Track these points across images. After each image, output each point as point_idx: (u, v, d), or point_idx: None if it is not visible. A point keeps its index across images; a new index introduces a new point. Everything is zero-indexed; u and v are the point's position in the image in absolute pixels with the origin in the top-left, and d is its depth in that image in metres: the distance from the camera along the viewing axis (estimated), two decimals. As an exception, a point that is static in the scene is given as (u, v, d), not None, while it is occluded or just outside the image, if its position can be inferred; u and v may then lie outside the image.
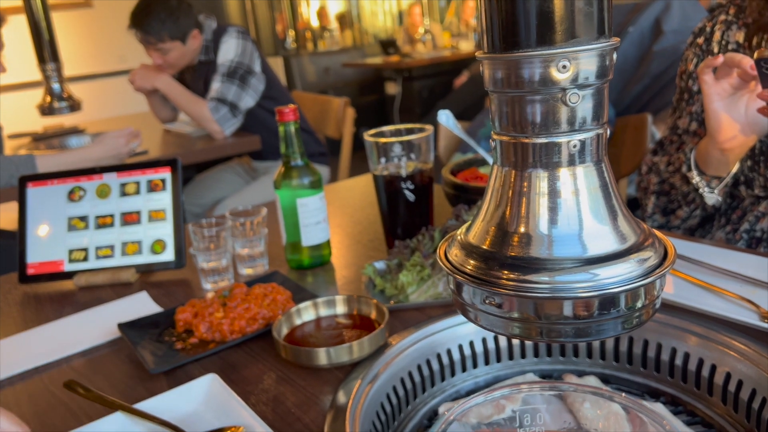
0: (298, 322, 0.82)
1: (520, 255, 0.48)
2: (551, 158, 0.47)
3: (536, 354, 0.84)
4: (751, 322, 0.73)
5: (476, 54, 0.49)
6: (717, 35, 1.15)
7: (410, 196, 1.03)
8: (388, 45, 6.42)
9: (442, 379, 0.82)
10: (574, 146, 0.46)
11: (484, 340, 0.83)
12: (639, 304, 0.47)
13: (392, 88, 6.03)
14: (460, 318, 0.83)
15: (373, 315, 0.82)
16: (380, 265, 0.98)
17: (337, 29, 7.83)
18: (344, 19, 8.03)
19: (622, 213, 0.49)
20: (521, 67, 0.45)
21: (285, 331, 0.80)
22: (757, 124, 0.95)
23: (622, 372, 0.80)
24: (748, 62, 0.89)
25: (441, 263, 0.53)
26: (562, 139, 0.46)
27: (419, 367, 0.79)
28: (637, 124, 1.69)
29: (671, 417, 0.70)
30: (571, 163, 0.47)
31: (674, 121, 1.22)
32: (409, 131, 1.03)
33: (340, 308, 0.84)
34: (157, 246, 1.12)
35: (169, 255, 1.11)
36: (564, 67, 0.44)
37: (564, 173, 0.47)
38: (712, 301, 0.80)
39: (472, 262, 0.50)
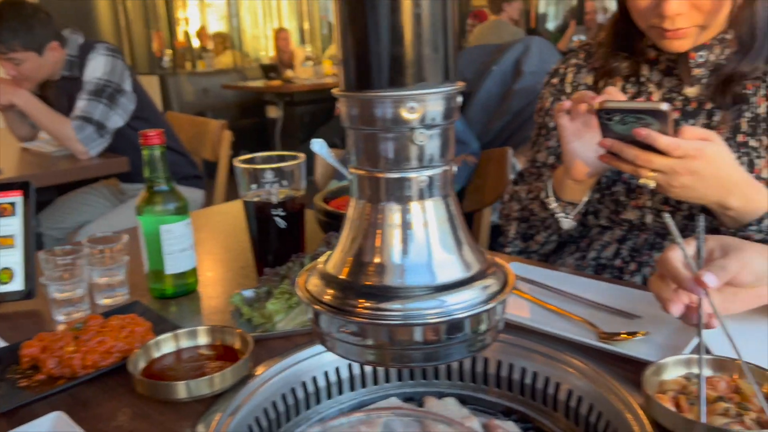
0: (156, 354, 0.79)
1: (375, 284, 0.50)
2: (402, 192, 0.50)
3: (399, 378, 0.87)
4: (591, 342, 0.80)
5: (332, 91, 0.52)
6: (569, 77, 1.27)
7: (281, 223, 1.03)
8: (269, 69, 6.39)
9: (307, 407, 0.82)
10: (423, 181, 0.50)
11: (349, 366, 0.85)
12: (483, 328, 0.51)
13: (274, 112, 5.99)
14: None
15: (238, 345, 0.81)
16: (248, 293, 0.97)
17: (216, 50, 7.67)
18: (224, 40, 7.89)
19: (468, 243, 0.52)
20: (373, 106, 0.47)
21: (142, 364, 0.77)
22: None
23: (478, 392, 0.85)
24: (589, 96, 0.98)
25: (299, 293, 0.54)
26: (412, 175, 0.49)
27: (284, 396, 0.79)
28: (499, 157, 1.81)
29: (520, 433, 0.75)
30: (421, 197, 0.50)
31: (534, 154, 1.32)
32: (281, 158, 1.04)
33: (203, 339, 0.82)
34: (4, 275, 1.03)
35: (17, 284, 1.03)
36: (412, 108, 0.47)
37: (414, 206, 0.50)
38: (559, 323, 0.87)
39: (330, 291, 0.52)
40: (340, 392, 0.85)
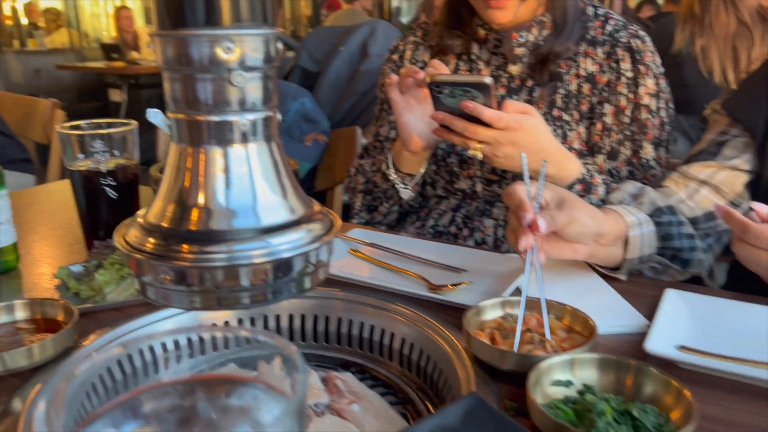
0: (-34, 331, 0.72)
1: (199, 229, 0.50)
2: (224, 136, 0.50)
3: (237, 343, 0.86)
4: (421, 294, 0.86)
5: (148, 33, 0.50)
6: (408, 54, 1.33)
7: (112, 193, 0.98)
8: (111, 49, 5.96)
9: (145, 374, 0.79)
10: (244, 125, 0.50)
11: (188, 338, 0.83)
12: (309, 269, 0.53)
13: (117, 96, 5.60)
14: (162, 313, 0.82)
15: (61, 317, 0.76)
16: (76, 267, 0.92)
17: (48, 28, 7.00)
18: (56, 17, 7.23)
19: (292, 188, 0.54)
20: (189, 45, 0.47)
21: (-51, 342, 0.70)
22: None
23: (319, 350, 0.87)
24: (414, 71, 1.04)
25: (119, 246, 0.52)
26: (234, 118, 0.50)
27: (109, 369, 0.76)
28: (348, 136, 1.85)
29: (357, 382, 0.78)
30: (244, 140, 0.51)
31: (377, 129, 1.37)
32: (111, 125, 0.98)
33: (20, 313, 0.76)
34: None
35: None
36: (229, 48, 0.47)
37: (237, 150, 0.50)
38: (394, 280, 0.92)
39: (151, 240, 0.51)
40: (178, 361, 0.83)
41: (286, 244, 0.51)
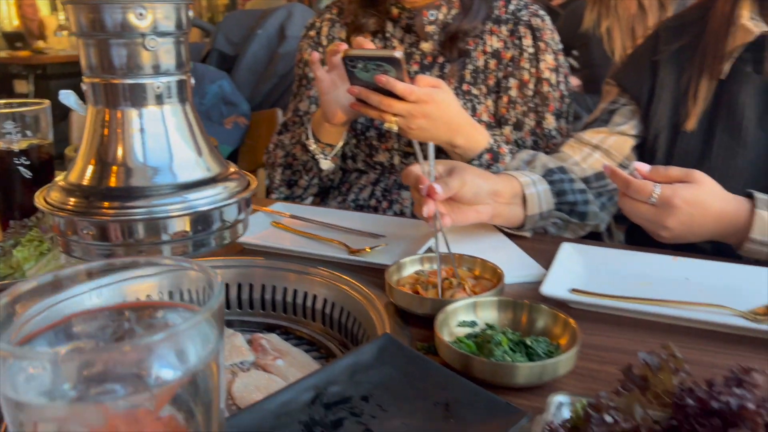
0: None
1: (119, 186, 0.53)
2: (140, 98, 0.53)
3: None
4: (341, 257, 0.91)
5: (62, 2, 0.52)
6: (325, 30, 1.36)
7: (26, 173, 0.97)
8: (15, 38, 5.64)
9: (69, 348, 0.80)
10: (158, 88, 0.53)
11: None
12: (227, 223, 0.57)
13: (23, 87, 5.31)
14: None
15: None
16: (-8, 248, 0.91)
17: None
18: (-48, 3, 6.75)
19: (208, 149, 0.58)
20: (103, 11, 0.50)
21: None
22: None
23: (244, 316, 0.91)
24: (343, 48, 1.07)
25: (39, 206, 0.54)
26: (148, 81, 0.53)
27: (40, 338, 0.77)
28: (269, 118, 1.87)
29: (282, 341, 0.82)
30: (159, 102, 0.54)
31: (296, 104, 1.39)
32: (22, 105, 0.97)
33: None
34: None
35: None
36: (141, 14, 0.50)
37: (153, 111, 0.54)
38: (316, 246, 0.96)
39: (72, 200, 0.53)
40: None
41: (203, 199, 0.55)
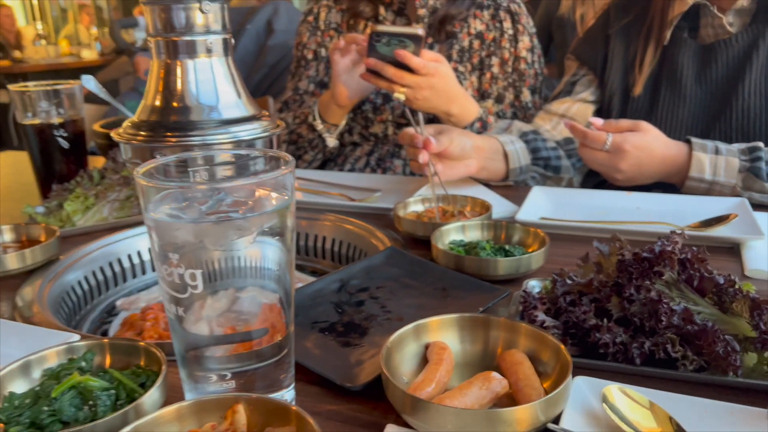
0: (-40, 249, 0.84)
1: (179, 120, 0.67)
2: (194, 51, 0.67)
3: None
4: (345, 204, 1.06)
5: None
6: (322, 15, 1.50)
7: (64, 144, 1.10)
8: (-8, 49, 5.68)
9: (115, 284, 0.94)
10: (211, 43, 0.68)
11: (149, 250, 0.98)
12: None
13: (4, 96, 5.36)
14: (128, 232, 0.96)
15: (44, 237, 0.89)
16: (39, 209, 1.03)
17: None
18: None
19: (246, 94, 0.72)
20: (168, -17, 0.64)
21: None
22: (365, 88, 1.29)
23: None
24: (362, 39, 1.21)
25: (116, 138, 0.68)
26: (201, 38, 0.67)
27: (94, 273, 0.90)
28: (261, 104, 1.99)
29: (301, 274, 0.97)
30: (209, 55, 0.68)
31: (295, 83, 1.53)
32: (55, 85, 1.10)
33: (7, 236, 0.88)
34: None
35: None
36: (198, -16, 0.64)
37: (205, 62, 0.68)
38: (321, 199, 1.11)
39: (142, 132, 0.67)
40: (144, 272, 0.98)
41: (244, 132, 0.69)
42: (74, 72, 5.42)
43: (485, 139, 1.15)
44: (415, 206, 0.99)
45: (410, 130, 1.08)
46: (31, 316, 0.70)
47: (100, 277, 0.91)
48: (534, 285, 0.71)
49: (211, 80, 0.68)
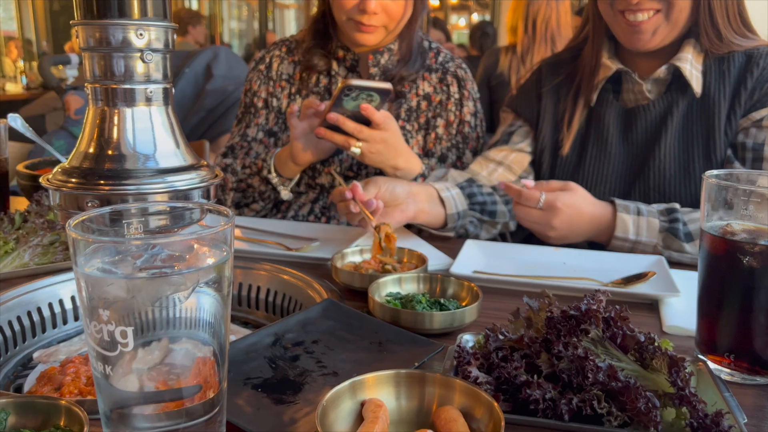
0: None
1: (114, 168, 0.65)
2: (134, 99, 0.67)
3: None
4: (282, 253, 1.05)
5: (71, 22, 0.66)
6: (275, 66, 1.51)
7: (-16, 184, 1.05)
8: None
9: (33, 334, 0.89)
10: (150, 92, 0.67)
11: (72, 299, 0.94)
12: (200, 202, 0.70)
13: None
14: (50, 279, 0.92)
15: (-45, 283, 0.84)
16: (-48, 251, 0.97)
17: None
18: None
19: (184, 144, 0.72)
20: (111, 32, 0.64)
21: None
22: (322, 150, 1.31)
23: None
24: (318, 104, 1.23)
25: (45, 184, 0.66)
26: (141, 87, 0.67)
27: (10, 323, 0.85)
28: (197, 149, 1.98)
29: (233, 325, 0.94)
30: (148, 103, 0.67)
31: (243, 129, 1.52)
32: (-20, 122, 1.06)
33: None
34: None
35: None
36: (141, 34, 0.65)
37: (143, 110, 0.67)
38: (257, 247, 1.09)
39: (74, 179, 0.65)
40: (65, 322, 0.93)
41: (180, 182, 0.68)
42: (-3, 105, 5.19)
43: (420, 185, 1.18)
44: (353, 257, 1.00)
45: (338, 189, 1.12)
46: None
47: (16, 327, 0.86)
48: (468, 339, 0.72)
49: (150, 129, 0.67)
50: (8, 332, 0.85)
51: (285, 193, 1.39)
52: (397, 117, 1.45)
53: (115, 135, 0.66)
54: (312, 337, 0.72)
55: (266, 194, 1.41)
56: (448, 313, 0.77)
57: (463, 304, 0.83)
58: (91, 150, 0.66)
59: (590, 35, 1.31)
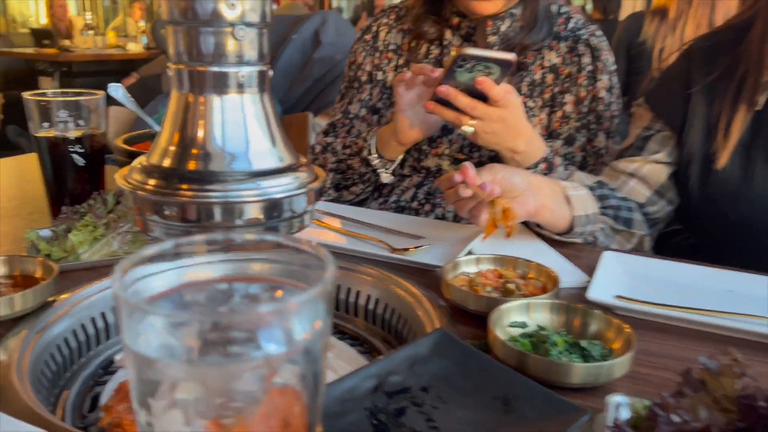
0: (-57, 285, 0.73)
1: (198, 169, 0.54)
2: (223, 85, 0.55)
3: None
4: (384, 255, 0.92)
5: None
6: (382, 35, 1.37)
7: (79, 161, 0.99)
8: (42, 35, 5.72)
9: (117, 332, 0.82)
10: (242, 76, 0.55)
11: (162, 293, 0.86)
12: (297, 211, 0.58)
13: (48, 84, 5.39)
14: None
15: (39, 273, 0.78)
16: (45, 232, 0.93)
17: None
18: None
19: (282, 139, 0.59)
20: (197, 1, 0.52)
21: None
22: (429, 126, 1.16)
23: (288, 309, 0.92)
24: (430, 69, 1.08)
25: (121, 184, 0.56)
26: (232, 70, 0.54)
27: (93, 320, 0.78)
28: (300, 121, 1.89)
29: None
30: (240, 91, 0.55)
31: (345, 106, 1.39)
32: (78, 94, 1.00)
33: (-1, 269, 0.78)
34: None
35: None
36: (233, 5, 0.52)
37: (234, 99, 0.55)
38: (358, 245, 0.97)
39: (152, 181, 0.55)
40: (152, 318, 0.86)
41: (275, 187, 0.56)
42: (119, 63, 5.42)
43: (542, 178, 1.01)
44: (466, 266, 0.85)
45: (446, 174, 0.97)
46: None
47: (100, 324, 0.79)
48: (621, 403, 0.56)
49: (241, 122, 0.55)
50: (91, 330, 0.78)
51: (386, 177, 1.25)
52: (518, 92, 1.25)
53: (200, 129, 0.54)
54: (421, 381, 0.59)
55: (366, 176, 1.28)
56: (594, 366, 0.61)
57: (610, 347, 0.66)
58: (173, 147, 0.55)
59: (761, 14, 1.05)
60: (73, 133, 0.98)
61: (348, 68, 1.41)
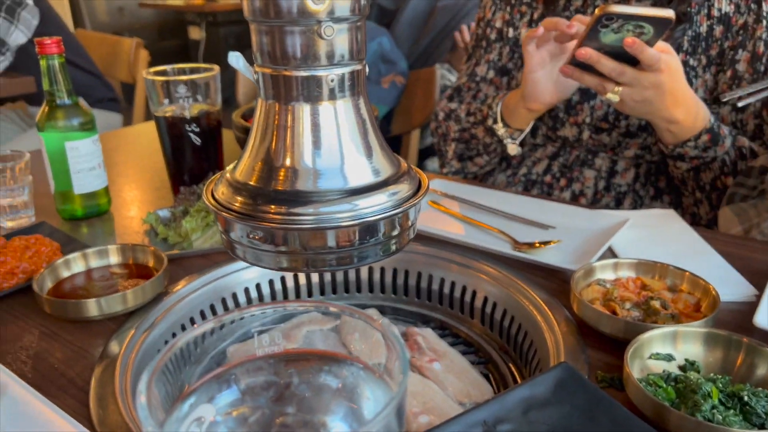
0: (65, 274, 0.76)
1: (286, 189, 0.48)
2: (312, 92, 0.47)
3: (322, 292, 0.87)
4: (505, 252, 0.82)
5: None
6: None
7: (196, 140, 0.98)
8: (190, -14, 5.99)
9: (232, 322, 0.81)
10: (332, 80, 0.47)
11: (270, 282, 0.84)
12: (395, 232, 0.51)
13: (196, 33, 5.67)
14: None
15: (151, 263, 0.78)
16: (164, 212, 0.94)
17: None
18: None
19: (379, 147, 0.51)
20: (278, -5, 0.44)
21: (49, 284, 0.73)
22: (563, 89, 1.03)
23: (398, 303, 0.87)
24: (564, 24, 0.94)
25: (207, 203, 0.51)
26: (322, 73, 0.47)
27: (202, 313, 0.78)
28: (426, 77, 1.78)
29: (438, 339, 0.77)
30: (332, 97, 0.48)
31: (472, 67, 1.27)
32: (194, 71, 0.98)
33: (114, 258, 0.79)
34: None
35: None
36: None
37: (325, 107, 0.48)
38: (477, 235, 0.88)
39: (239, 199, 0.50)
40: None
41: (372, 207, 0.49)
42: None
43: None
44: (602, 272, 0.74)
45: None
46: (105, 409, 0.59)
47: (210, 316, 0.79)
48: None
49: (335, 135, 0.48)
50: (199, 321, 0.78)
51: (513, 148, 1.12)
52: (678, 49, 1.06)
53: (288, 144, 0.48)
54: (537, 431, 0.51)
55: (492, 147, 1.17)
56: (760, 434, 0.48)
57: (781, 400, 0.53)
58: (260, 162, 0.49)
59: None
60: (189, 112, 0.97)
61: (476, 25, 1.28)
